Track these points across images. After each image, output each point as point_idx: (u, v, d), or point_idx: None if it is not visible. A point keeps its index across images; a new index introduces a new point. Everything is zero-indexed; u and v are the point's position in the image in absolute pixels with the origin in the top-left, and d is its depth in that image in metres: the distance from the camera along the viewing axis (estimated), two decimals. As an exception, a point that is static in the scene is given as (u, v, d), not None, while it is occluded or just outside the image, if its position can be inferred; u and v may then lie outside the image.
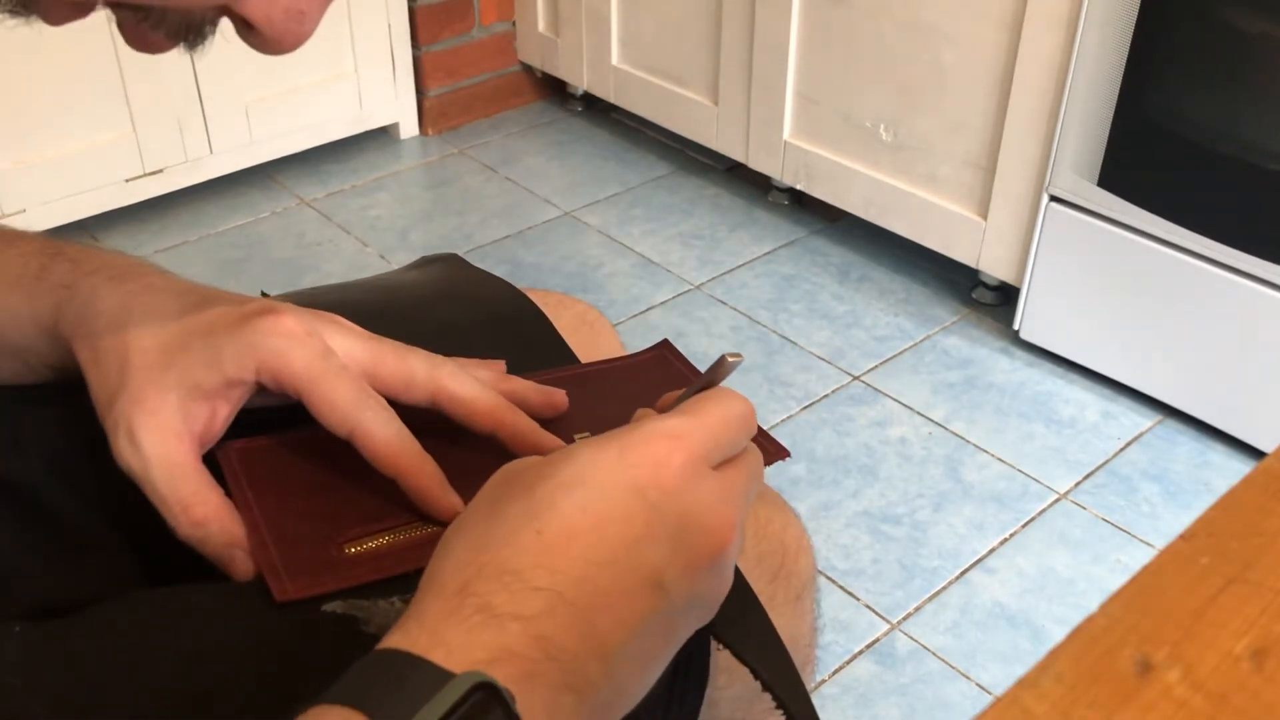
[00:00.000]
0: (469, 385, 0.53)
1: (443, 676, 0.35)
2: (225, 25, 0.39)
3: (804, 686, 0.49)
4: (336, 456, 0.52)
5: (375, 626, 0.47)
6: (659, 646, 0.41)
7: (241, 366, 0.50)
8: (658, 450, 0.41)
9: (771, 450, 0.56)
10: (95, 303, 0.51)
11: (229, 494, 0.51)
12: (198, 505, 0.49)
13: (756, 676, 0.47)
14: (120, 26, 0.38)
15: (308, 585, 0.47)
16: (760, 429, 0.57)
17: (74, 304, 0.51)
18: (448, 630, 0.38)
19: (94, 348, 0.51)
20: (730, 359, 0.47)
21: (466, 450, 0.54)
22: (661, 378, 0.61)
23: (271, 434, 0.54)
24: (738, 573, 0.51)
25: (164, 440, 0.49)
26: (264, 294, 0.61)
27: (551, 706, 0.37)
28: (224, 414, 0.51)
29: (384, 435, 0.50)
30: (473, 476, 0.47)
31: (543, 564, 0.39)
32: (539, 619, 0.38)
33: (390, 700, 0.35)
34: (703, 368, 0.62)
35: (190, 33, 0.38)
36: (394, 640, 0.38)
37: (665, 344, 0.63)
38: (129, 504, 0.54)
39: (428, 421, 0.53)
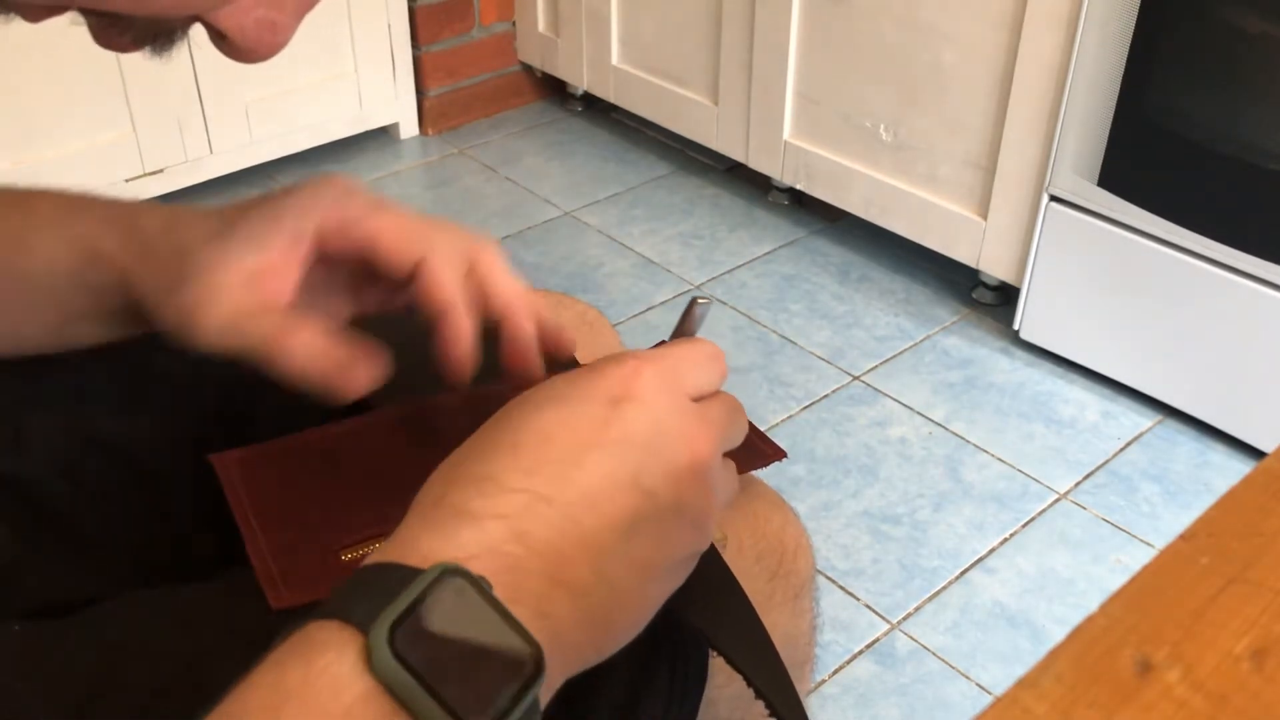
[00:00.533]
0: (506, 269, 0.52)
1: (413, 573, 0.36)
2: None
3: (796, 693, 0.49)
4: (332, 462, 0.52)
5: None
6: (652, 554, 0.41)
7: (302, 217, 0.49)
8: (627, 365, 0.43)
9: (768, 451, 0.56)
10: (139, 219, 0.51)
11: (227, 504, 0.51)
12: (295, 338, 0.48)
13: (750, 684, 0.47)
14: (90, 27, 0.38)
15: (304, 594, 0.47)
16: (756, 429, 0.57)
17: (119, 224, 0.51)
18: (423, 538, 0.38)
19: (143, 246, 0.50)
20: (700, 302, 0.47)
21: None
22: None
23: (268, 441, 0.54)
24: (733, 578, 0.51)
25: (230, 298, 0.48)
26: None
27: (542, 598, 0.38)
28: (291, 278, 0.50)
29: (447, 272, 0.49)
30: None
31: (519, 468, 0.40)
32: (518, 516, 0.39)
33: (362, 606, 0.35)
34: None
35: (159, 38, 0.38)
36: (373, 559, 0.38)
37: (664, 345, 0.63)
38: (129, 504, 0.54)
39: (421, 426, 0.53)
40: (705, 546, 0.44)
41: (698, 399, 0.44)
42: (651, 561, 0.41)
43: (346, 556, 0.49)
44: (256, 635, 0.47)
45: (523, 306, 0.51)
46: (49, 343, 0.55)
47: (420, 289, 0.49)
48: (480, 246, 0.51)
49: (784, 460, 0.56)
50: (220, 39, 0.37)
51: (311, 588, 0.48)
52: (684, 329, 0.48)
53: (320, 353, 0.48)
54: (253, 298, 0.48)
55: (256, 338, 0.48)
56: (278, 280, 0.49)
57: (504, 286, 0.51)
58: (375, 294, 0.53)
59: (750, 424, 0.58)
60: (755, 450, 0.57)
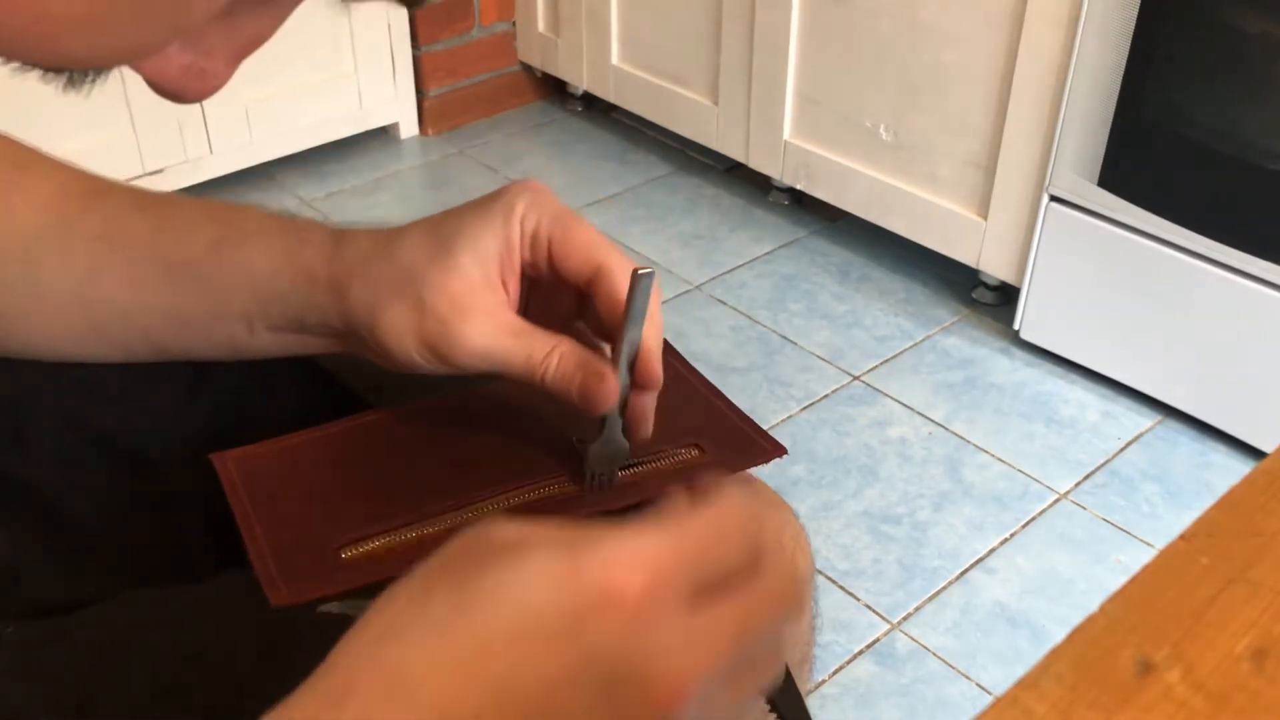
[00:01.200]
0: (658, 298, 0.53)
1: None
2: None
3: (798, 689, 0.48)
4: (332, 461, 0.52)
5: None
6: None
7: (509, 217, 0.50)
8: (615, 576, 0.34)
9: (768, 448, 0.56)
10: (348, 238, 0.52)
11: (227, 502, 0.51)
12: (551, 358, 0.49)
13: None
14: None
15: (301, 591, 0.47)
16: (756, 426, 0.57)
17: (327, 243, 0.52)
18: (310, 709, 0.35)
19: (355, 265, 0.51)
20: (641, 273, 0.47)
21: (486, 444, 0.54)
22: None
23: (268, 440, 0.54)
24: None
25: (487, 317, 0.49)
26: None
27: None
28: (514, 288, 0.51)
29: (626, 274, 0.50)
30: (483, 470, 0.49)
31: (440, 681, 0.34)
32: None
33: None
34: (703, 368, 0.62)
35: (74, 76, 0.36)
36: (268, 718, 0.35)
37: (664, 343, 0.63)
38: (131, 503, 0.54)
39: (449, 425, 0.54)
40: None
41: (707, 591, 0.35)
42: None
43: (346, 555, 0.49)
44: (253, 635, 0.47)
45: (660, 330, 0.52)
46: (220, 356, 0.55)
47: (603, 291, 0.50)
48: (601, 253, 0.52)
49: (784, 459, 0.56)
50: (147, 81, 0.36)
51: (310, 586, 0.48)
52: (633, 306, 0.48)
53: (575, 366, 0.49)
54: (512, 317, 0.50)
55: (521, 356, 0.49)
56: (504, 288, 0.51)
57: (655, 310, 0.52)
58: (540, 302, 0.55)
59: (749, 420, 0.58)
60: (754, 447, 0.56)
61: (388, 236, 0.51)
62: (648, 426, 0.52)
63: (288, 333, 0.53)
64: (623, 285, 0.49)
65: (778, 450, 0.56)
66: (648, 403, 0.51)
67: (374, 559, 0.49)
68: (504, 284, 0.51)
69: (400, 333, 0.50)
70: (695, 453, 0.56)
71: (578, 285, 0.51)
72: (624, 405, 0.51)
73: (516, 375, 0.50)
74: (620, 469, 0.54)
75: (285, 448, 0.54)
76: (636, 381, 0.51)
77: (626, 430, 0.52)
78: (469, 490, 0.52)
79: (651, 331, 0.50)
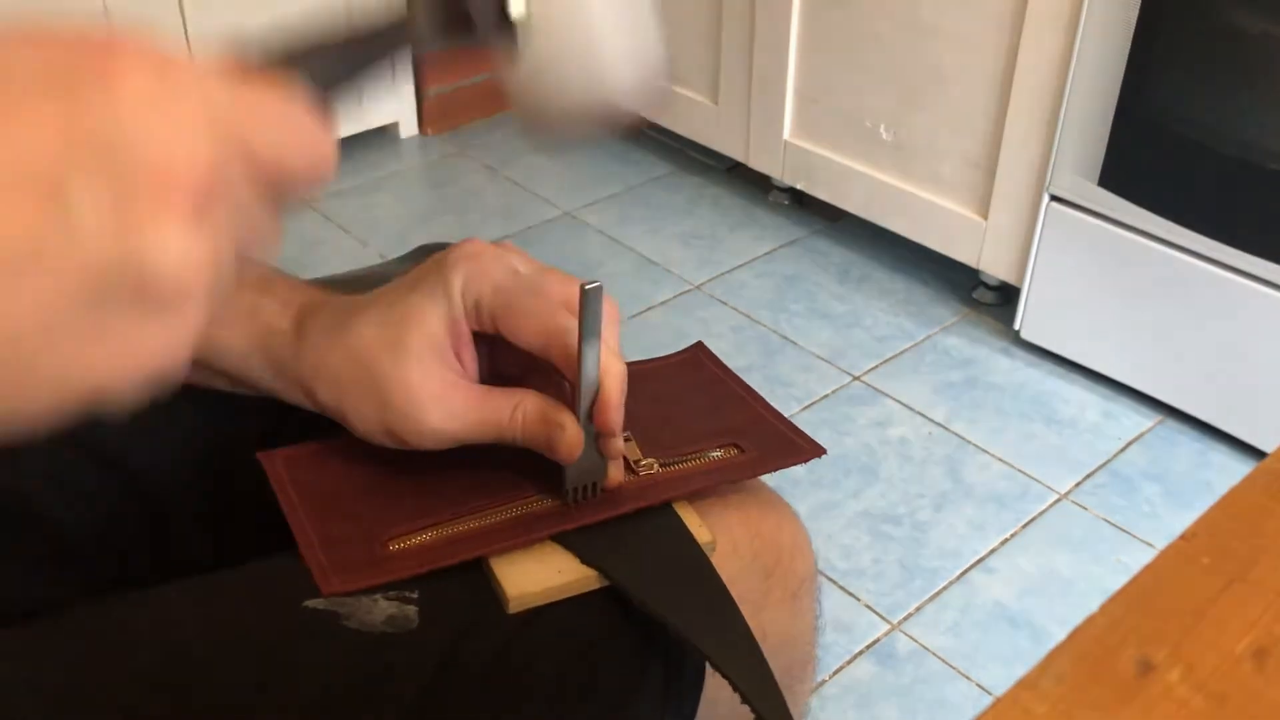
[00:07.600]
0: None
1: None
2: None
3: (779, 691, 0.48)
4: (378, 459, 0.53)
5: (356, 621, 0.47)
6: (51, 295, 0.27)
7: (450, 294, 0.51)
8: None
9: (806, 447, 0.56)
10: (311, 325, 0.53)
11: (275, 498, 0.52)
12: (515, 420, 0.51)
13: (728, 679, 0.47)
14: None
15: (351, 582, 0.48)
16: (794, 426, 0.58)
17: (291, 348, 0.53)
18: None
19: (315, 362, 0.52)
20: (589, 288, 0.49)
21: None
22: (694, 380, 0.61)
23: (314, 440, 0.55)
24: (717, 578, 0.51)
25: (446, 403, 0.51)
26: None
27: None
28: (469, 358, 0.52)
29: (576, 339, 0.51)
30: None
31: None
32: None
33: None
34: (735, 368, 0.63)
35: None
36: None
37: (699, 346, 0.64)
38: (121, 512, 0.54)
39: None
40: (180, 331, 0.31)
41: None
42: (47, 299, 0.28)
43: (394, 547, 0.50)
44: (241, 633, 0.47)
45: (619, 376, 0.52)
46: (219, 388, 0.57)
47: (558, 357, 0.51)
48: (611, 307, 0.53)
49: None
50: None
51: (358, 576, 0.49)
52: (586, 324, 0.49)
53: (538, 421, 0.51)
54: (469, 394, 0.51)
55: (490, 428, 0.51)
56: (460, 364, 0.52)
57: (616, 349, 0.53)
58: (504, 352, 0.55)
59: (786, 420, 0.59)
60: (792, 446, 0.57)
61: (341, 323, 0.52)
62: (618, 469, 0.53)
63: (267, 394, 0.55)
64: (575, 353, 0.50)
65: (815, 450, 0.57)
66: (613, 444, 0.52)
67: (421, 550, 0.50)
68: (459, 357, 0.52)
69: (368, 425, 0.52)
70: (734, 452, 0.56)
71: (532, 354, 0.52)
72: (592, 412, 0.51)
73: (485, 439, 0.51)
74: (662, 465, 0.54)
75: (331, 447, 0.55)
76: (596, 428, 0.51)
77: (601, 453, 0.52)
78: (498, 489, 0.53)
79: (613, 378, 0.51)
